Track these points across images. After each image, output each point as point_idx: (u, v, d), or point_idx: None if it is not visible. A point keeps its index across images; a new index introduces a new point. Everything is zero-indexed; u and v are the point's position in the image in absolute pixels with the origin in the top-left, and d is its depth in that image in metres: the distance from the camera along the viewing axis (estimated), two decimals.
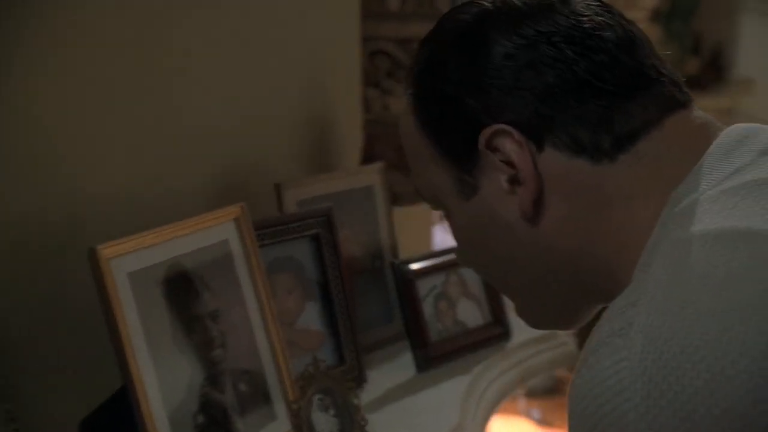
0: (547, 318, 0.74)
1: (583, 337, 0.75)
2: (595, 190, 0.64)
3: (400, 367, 1.29)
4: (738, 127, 0.64)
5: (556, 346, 1.37)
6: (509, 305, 1.42)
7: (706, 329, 0.51)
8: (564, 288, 0.69)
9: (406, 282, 1.28)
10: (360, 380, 1.22)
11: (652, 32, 3.21)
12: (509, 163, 0.66)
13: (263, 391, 1.04)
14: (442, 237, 3.02)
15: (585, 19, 0.65)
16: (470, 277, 1.36)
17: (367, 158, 1.50)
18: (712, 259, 0.54)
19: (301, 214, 1.20)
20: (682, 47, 3.87)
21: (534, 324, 0.76)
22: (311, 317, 1.21)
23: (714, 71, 3.99)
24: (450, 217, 0.73)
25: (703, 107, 0.68)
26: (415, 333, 1.28)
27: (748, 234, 0.55)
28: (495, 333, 1.36)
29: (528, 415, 3.10)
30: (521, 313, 0.75)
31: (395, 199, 1.45)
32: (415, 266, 1.30)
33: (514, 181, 0.66)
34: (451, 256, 1.35)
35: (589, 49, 0.64)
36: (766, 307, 0.51)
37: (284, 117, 1.41)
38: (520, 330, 1.38)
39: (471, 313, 1.35)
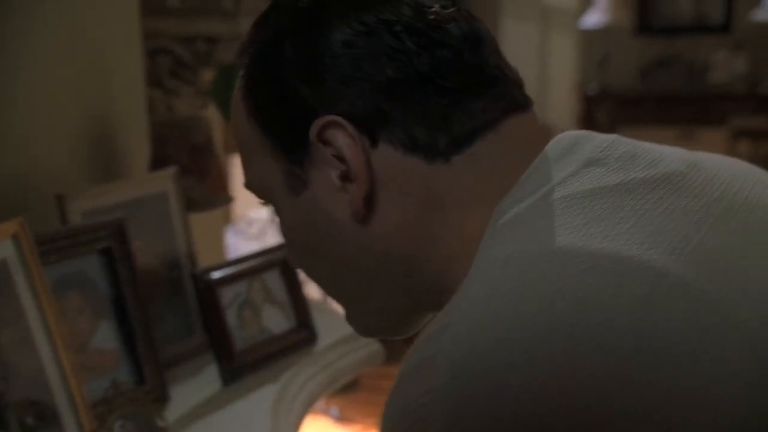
0: (378, 325, 0.70)
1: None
2: (428, 191, 0.61)
3: (205, 381, 1.23)
4: (568, 135, 0.61)
5: (363, 346, 1.37)
6: (318, 306, 1.40)
7: (512, 360, 0.48)
8: (397, 294, 0.65)
9: (208, 292, 1.23)
10: (163, 399, 1.15)
11: None
12: (341, 158, 0.61)
13: (55, 422, 0.95)
14: (235, 242, 2.96)
15: (430, 11, 0.61)
16: (273, 282, 1.32)
17: (158, 163, 1.42)
18: (524, 281, 0.52)
19: (90, 226, 1.11)
20: None
21: (363, 332, 0.71)
22: (106, 336, 1.12)
23: None
24: (279, 213, 0.67)
25: None
26: (219, 344, 1.23)
27: (561, 253, 0.53)
28: (301, 337, 1.33)
29: (326, 412, 3.10)
30: (351, 320, 0.70)
31: (190, 205, 1.39)
32: (216, 275, 1.24)
33: (346, 177, 0.61)
34: (253, 263, 1.31)
35: (432, 42, 0.60)
36: (576, 334, 0.48)
37: (62, 121, 1.30)
38: (326, 333, 1.36)
39: (276, 319, 1.32)
